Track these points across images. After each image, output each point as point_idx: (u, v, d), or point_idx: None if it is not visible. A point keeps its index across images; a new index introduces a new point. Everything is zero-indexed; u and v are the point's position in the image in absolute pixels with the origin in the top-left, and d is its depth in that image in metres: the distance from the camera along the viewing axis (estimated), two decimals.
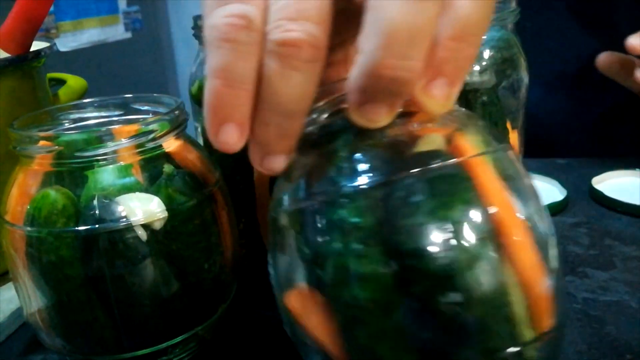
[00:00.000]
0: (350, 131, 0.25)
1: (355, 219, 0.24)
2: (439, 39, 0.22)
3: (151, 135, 0.33)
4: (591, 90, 0.71)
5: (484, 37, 0.39)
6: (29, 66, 0.46)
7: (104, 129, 0.33)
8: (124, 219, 0.31)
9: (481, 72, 0.38)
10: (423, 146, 0.25)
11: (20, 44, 0.46)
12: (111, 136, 0.32)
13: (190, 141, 0.37)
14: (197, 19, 0.44)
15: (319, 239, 0.24)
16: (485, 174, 0.25)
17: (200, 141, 0.45)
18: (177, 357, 0.36)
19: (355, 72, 0.22)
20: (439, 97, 0.23)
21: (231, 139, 0.24)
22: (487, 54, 0.38)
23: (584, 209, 0.55)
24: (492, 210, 0.24)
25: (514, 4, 0.41)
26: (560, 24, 0.72)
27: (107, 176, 0.32)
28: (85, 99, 0.40)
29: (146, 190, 0.33)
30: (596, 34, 0.70)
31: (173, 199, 0.33)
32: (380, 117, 0.23)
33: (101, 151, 0.32)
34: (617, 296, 0.41)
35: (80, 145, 0.32)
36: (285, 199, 0.27)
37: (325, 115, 0.27)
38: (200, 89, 0.43)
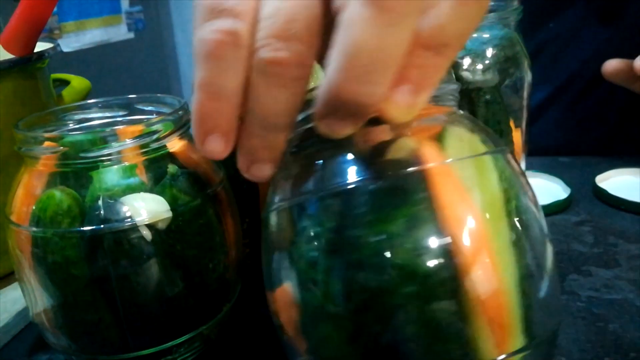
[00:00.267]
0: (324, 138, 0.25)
1: (313, 227, 0.24)
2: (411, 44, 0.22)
3: (155, 136, 0.33)
4: (601, 90, 0.71)
5: (487, 35, 0.39)
6: (33, 67, 0.46)
7: (108, 129, 0.33)
8: (129, 219, 0.31)
9: (484, 70, 0.38)
10: (389, 154, 0.25)
11: (24, 45, 0.46)
12: (115, 137, 0.32)
13: (194, 141, 0.37)
14: None
15: (286, 242, 0.25)
16: (445, 184, 0.24)
17: None
18: (182, 356, 0.36)
19: (321, 87, 0.22)
20: (401, 104, 0.22)
21: (216, 148, 0.25)
22: (490, 52, 0.38)
23: (587, 207, 0.55)
24: (439, 225, 0.23)
25: (516, 3, 0.40)
26: (578, 23, 0.72)
27: (111, 176, 0.32)
28: (89, 99, 0.40)
29: (150, 191, 0.33)
30: (612, 30, 0.70)
31: (177, 199, 0.33)
32: (342, 130, 0.23)
33: (106, 152, 0.32)
34: (621, 294, 0.41)
35: (84, 145, 0.32)
36: (270, 201, 0.27)
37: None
38: None
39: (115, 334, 0.33)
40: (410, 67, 0.21)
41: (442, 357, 0.23)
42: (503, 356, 0.24)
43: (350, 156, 0.25)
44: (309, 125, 0.26)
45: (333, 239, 0.24)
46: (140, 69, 2.31)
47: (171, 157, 0.35)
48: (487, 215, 0.24)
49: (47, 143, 0.32)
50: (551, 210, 0.54)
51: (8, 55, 0.46)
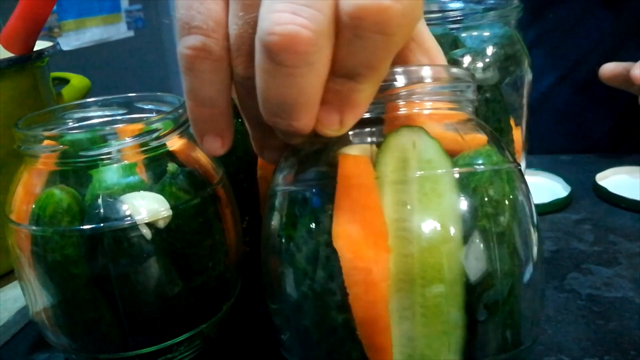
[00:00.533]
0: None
1: (271, 215, 0.28)
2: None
3: (155, 134, 0.33)
4: (600, 86, 0.71)
5: (487, 33, 0.39)
6: (33, 66, 0.46)
7: (108, 128, 0.33)
8: (129, 218, 0.31)
9: (484, 69, 0.38)
10: (318, 163, 0.27)
11: (23, 43, 0.46)
12: (115, 135, 0.32)
13: (193, 140, 0.37)
14: None
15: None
16: (347, 200, 0.25)
17: None
18: (182, 354, 0.36)
19: None
20: (325, 124, 0.24)
21: (213, 146, 0.28)
22: (490, 50, 0.38)
23: (588, 206, 0.55)
24: (327, 240, 0.25)
25: (516, 1, 0.40)
26: (580, 10, 0.71)
27: (111, 175, 0.32)
28: (89, 97, 0.40)
29: (150, 189, 0.33)
30: (614, 17, 0.70)
31: (177, 198, 0.33)
32: (290, 141, 0.27)
33: (105, 150, 0.32)
34: (621, 292, 0.41)
35: (84, 144, 0.32)
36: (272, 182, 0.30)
37: None
38: None
39: (115, 333, 0.33)
40: (328, 92, 0.23)
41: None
42: None
43: (296, 162, 0.28)
44: None
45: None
46: (140, 68, 2.30)
47: (171, 155, 0.35)
48: (404, 233, 0.24)
49: (46, 142, 0.32)
50: (551, 208, 0.54)
51: (7, 54, 0.46)
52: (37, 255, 0.32)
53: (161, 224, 0.32)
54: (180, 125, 0.35)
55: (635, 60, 0.58)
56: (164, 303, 0.33)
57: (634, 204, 0.54)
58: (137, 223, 0.31)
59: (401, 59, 0.29)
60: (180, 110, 0.35)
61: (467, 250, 0.24)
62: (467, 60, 0.38)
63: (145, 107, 0.39)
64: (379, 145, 0.26)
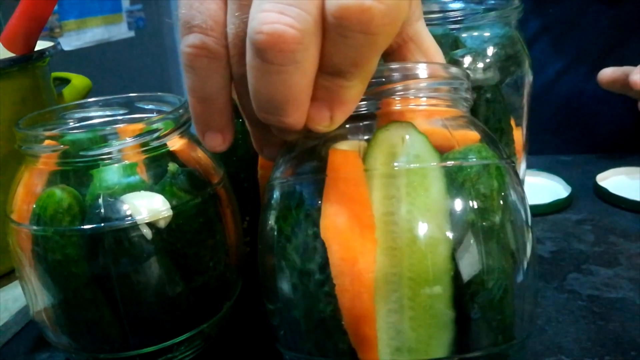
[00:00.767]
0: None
1: (264, 210, 0.29)
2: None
3: (156, 134, 0.33)
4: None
5: (488, 34, 0.39)
6: (34, 66, 0.46)
7: (108, 128, 0.33)
8: (129, 218, 0.31)
9: (485, 69, 0.38)
10: (310, 158, 0.28)
11: (24, 43, 0.46)
12: (116, 135, 0.32)
13: (194, 140, 0.37)
14: None
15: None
16: (336, 193, 0.25)
17: None
18: (183, 354, 0.36)
19: None
20: (315, 119, 0.25)
21: (214, 142, 0.29)
22: (490, 51, 0.38)
23: (588, 206, 0.55)
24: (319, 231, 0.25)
25: (517, 1, 0.40)
26: (579, 8, 0.72)
27: (112, 175, 0.32)
28: (90, 97, 0.40)
29: (151, 189, 0.33)
30: (616, 11, 0.70)
31: (178, 198, 0.33)
32: (284, 137, 0.27)
33: (106, 150, 0.32)
34: (621, 293, 0.41)
35: (85, 144, 0.32)
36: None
37: None
38: None
39: (115, 332, 0.33)
40: (318, 88, 0.24)
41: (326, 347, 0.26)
42: None
43: (291, 158, 0.29)
44: None
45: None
46: (140, 68, 2.30)
47: (171, 155, 0.35)
48: (395, 228, 0.24)
49: (47, 141, 0.32)
50: (552, 209, 0.54)
51: (9, 54, 0.46)
52: (38, 255, 0.32)
53: (162, 224, 0.32)
54: (180, 125, 0.35)
55: (635, 56, 0.58)
56: (164, 303, 0.33)
57: (635, 204, 0.54)
58: (138, 223, 0.31)
59: (400, 59, 0.30)
60: (180, 111, 0.35)
61: (455, 243, 0.24)
62: (467, 60, 0.38)
63: (146, 107, 0.39)
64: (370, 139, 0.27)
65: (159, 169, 0.34)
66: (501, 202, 0.26)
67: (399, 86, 0.27)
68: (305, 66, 0.23)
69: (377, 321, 0.24)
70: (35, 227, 0.32)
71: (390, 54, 0.30)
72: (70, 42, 1.98)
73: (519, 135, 0.42)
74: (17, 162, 0.35)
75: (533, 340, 0.37)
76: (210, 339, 0.37)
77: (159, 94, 0.39)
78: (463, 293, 0.25)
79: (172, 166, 0.33)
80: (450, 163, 0.26)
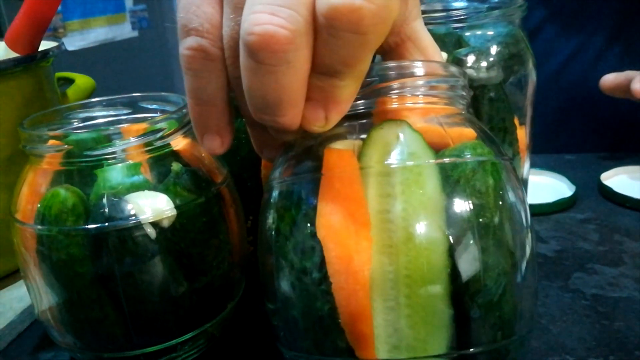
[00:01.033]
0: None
1: (263, 210, 0.29)
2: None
3: (159, 134, 0.33)
4: (609, 64, 0.71)
5: (491, 32, 0.39)
6: (38, 66, 0.46)
7: (112, 127, 0.33)
8: (133, 217, 0.31)
9: (488, 68, 0.38)
10: (305, 158, 0.28)
11: (28, 44, 0.46)
12: (120, 135, 0.32)
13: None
14: None
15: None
16: (331, 192, 0.25)
17: None
18: (186, 353, 0.36)
19: None
20: (310, 120, 0.25)
21: (213, 145, 0.29)
22: (494, 49, 0.38)
23: (592, 205, 0.55)
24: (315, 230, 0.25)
25: (520, 0, 0.40)
26: None
27: (116, 175, 0.32)
28: (94, 97, 0.40)
29: (155, 189, 0.33)
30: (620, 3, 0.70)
31: (181, 197, 0.33)
32: (281, 137, 0.27)
33: (110, 150, 0.32)
34: (626, 292, 0.41)
35: (89, 144, 0.32)
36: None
37: None
38: None
39: (119, 332, 0.33)
40: (312, 88, 0.24)
41: (323, 345, 0.26)
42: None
43: (289, 158, 0.29)
44: None
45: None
46: (144, 68, 2.31)
47: (175, 155, 0.35)
48: (392, 226, 0.24)
49: (51, 141, 0.32)
50: (556, 208, 0.54)
51: (13, 54, 0.46)
52: (42, 254, 0.32)
53: (165, 224, 0.32)
54: (184, 125, 0.35)
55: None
56: (168, 302, 0.33)
57: (639, 203, 0.53)
58: (142, 222, 0.31)
59: (398, 58, 0.30)
60: (184, 110, 0.35)
61: (450, 240, 0.24)
62: (471, 59, 0.38)
63: (150, 106, 0.39)
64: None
65: (163, 168, 0.34)
66: (497, 198, 0.26)
67: (394, 85, 0.27)
68: (297, 66, 0.23)
69: (374, 319, 0.24)
70: (39, 227, 0.32)
71: (388, 53, 0.30)
72: (74, 42, 1.99)
73: (522, 134, 0.41)
74: (21, 162, 0.35)
75: (537, 339, 0.37)
76: (213, 339, 0.37)
77: (163, 93, 0.39)
78: (460, 290, 0.24)
79: (175, 166, 0.33)
80: (444, 160, 0.26)
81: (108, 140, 0.32)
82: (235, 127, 0.41)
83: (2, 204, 0.41)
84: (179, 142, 0.35)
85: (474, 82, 0.38)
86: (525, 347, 0.28)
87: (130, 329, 0.33)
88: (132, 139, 0.32)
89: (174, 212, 0.32)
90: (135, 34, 2.28)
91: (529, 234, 0.28)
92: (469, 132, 0.28)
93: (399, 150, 0.26)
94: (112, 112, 0.39)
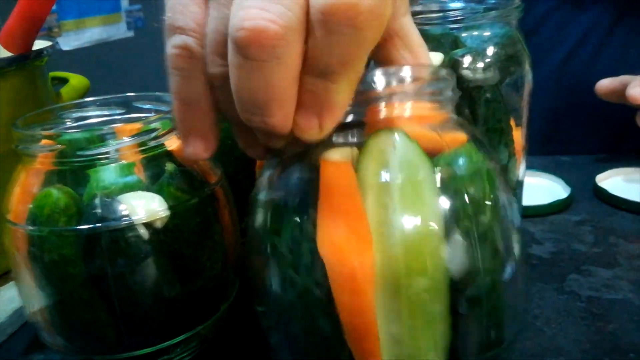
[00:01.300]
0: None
1: (254, 220, 0.29)
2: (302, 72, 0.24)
3: (153, 134, 0.33)
4: (604, 61, 0.71)
5: (488, 33, 0.39)
6: (31, 65, 0.46)
7: (106, 127, 0.33)
8: (126, 218, 0.31)
9: (485, 69, 0.38)
10: (300, 169, 0.28)
11: (22, 43, 0.46)
12: (113, 135, 0.32)
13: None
14: None
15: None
16: (335, 206, 0.25)
17: None
18: (179, 356, 0.36)
19: None
20: (304, 127, 0.24)
21: (196, 149, 0.28)
22: (490, 50, 0.38)
23: (588, 207, 0.55)
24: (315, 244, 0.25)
25: (517, 0, 0.40)
26: None
27: (109, 175, 0.32)
28: (88, 97, 0.40)
29: (148, 189, 0.32)
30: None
31: (175, 198, 0.32)
32: (270, 144, 0.26)
33: (103, 150, 0.32)
34: (621, 294, 0.41)
35: (82, 144, 0.32)
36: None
37: None
38: None
39: (111, 333, 0.33)
40: (303, 93, 0.24)
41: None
42: None
43: (278, 164, 0.28)
44: None
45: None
46: (139, 68, 2.30)
47: (169, 155, 0.34)
48: (390, 241, 0.24)
49: (44, 141, 0.32)
50: (551, 209, 0.54)
51: (6, 53, 0.46)
52: (34, 255, 0.32)
53: (159, 224, 0.32)
54: None
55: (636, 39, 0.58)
56: (161, 304, 0.33)
57: (634, 205, 0.53)
58: (135, 223, 0.31)
59: (385, 55, 0.29)
60: None
61: (450, 249, 0.25)
62: (467, 60, 0.37)
63: (144, 106, 0.39)
64: (359, 147, 0.26)
65: (157, 169, 0.33)
66: (493, 205, 0.26)
67: (386, 91, 0.26)
68: (287, 63, 0.22)
69: (378, 333, 0.24)
70: (31, 227, 0.31)
71: (375, 49, 0.30)
72: (68, 42, 1.98)
73: (518, 135, 0.41)
74: (14, 162, 0.35)
75: (531, 341, 0.37)
76: (206, 341, 0.37)
77: (157, 93, 0.39)
78: (459, 297, 0.25)
79: (169, 166, 0.33)
80: (441, 169, 0.26)
81: (101, 140, 0.32)
82: (229, 128, 0.41)
83: None
84: (172, 143, 0.35)
85: (470, 82, 0.38)
86: (513, 352, 0.28)
87: (123, 331, 0.33)
88: (126, 139, 0.32)
89: (167, 212, 0.32)
90: (130, 34, 2.27)
91: (520, 237, 0.28)
92: (462, 137, 0.28)
93: (396, 160, 0.25)
94: (105, 112, 0.39)
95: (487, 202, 0.26)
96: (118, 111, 0.39)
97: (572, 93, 0.75)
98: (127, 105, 0.39)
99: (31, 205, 0.31)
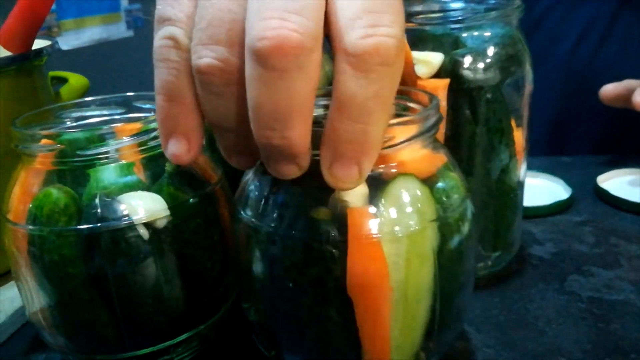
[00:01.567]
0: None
1: (262, 252, 0.30)
2: (328, 119, 0.23)
3: (153, 134, 0.33)
4: (603, 58, 0.71)
5: (488, 33, 0.39)
6: (31, 65, 0.46)
7: (105, 127, 0.33)
8: (126, 218, 0.31)
9: (485, 69, 0.38)
10: (322, 209, 0.28)
11: (21, 42, 0.46)
12: (113, 134, 0.32)
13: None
14: None
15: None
16: (363, 255, 0.27)
17: None
18: (180, 356, 0.36)
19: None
20: (342, 177, 0.24)
21: (178, 150, 0.27)
22: (491, 50, 0.38)
23: (589, 208, 0.55)
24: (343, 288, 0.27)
25: (517, 1, 0.40)
26: None
27: (109, 174, 0.32)
28: (87, 97, 0.40)
29: (148, 189, 0.32)
30: None
31: (175, 198, 0.32)
32: (285, 172, 0.25)
33: (103, 149, 0.32)
34: (622, 295, 0.41)
35: (82, 143, 0.32)
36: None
37: None
38: None
39: (112, 334, 0.33)
40: (339, 143, 0.23)
41: None
42: None
43: (293, 198, 0.29)
44: None
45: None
46: (139, 67, 2.29)
47: None
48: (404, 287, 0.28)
49: (44, 141, 0.32)
50: (553, 210, 0.54)
51: (6, 53, 0.46)
52: (34, 255, 0.32)
53: (159, 224, 0.32)
54: None
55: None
56: (161, 304, 0.33)
57: (635, 206, 0.53)
58: (135, 223, 0.31)
59: None
60: None
61: (438, 277, 0.29)
62: (468, 60, 0.37)
63: (144, 106, 0.39)
64: (370, 179, 0.27)
65: (157, 168, 0.33)
66: (471, 231, 0.31)
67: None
68: (309, 72, 0.22)
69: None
70: (31, 227, 0.31)
71: None
72: (68, 42, 1.98)
73: (519, 136, 0.41)
74: (13, 162, 0.34)
75: (533, 342, 0.36)
76: (207, 341, 0.37)
77: None
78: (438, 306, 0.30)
79: (169, 166, 0.33)
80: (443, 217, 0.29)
81: (101, 139, 0.32)
82: None
83: None
84: None
85: (471, 83, 0.38)
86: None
87: (123, 331, 0.33)
88: (126, 139, 0.32)
89: (167, 212, 0.32)
90: (130, 33, 2.27)
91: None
92: (442, 158, 0.31)
93: (410, 210, 0.28)
94: (105, 112, 0.39)
95: (468, 231, 0.31)
96: (118, 111, 0.39)
97: (576, 91, 0.75)
98: (127, 105, 0.39)
99: (31, 205, 0.31)
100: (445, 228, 0.29)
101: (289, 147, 0.23)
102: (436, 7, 0.41)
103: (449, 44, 0.38)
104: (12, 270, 0.35)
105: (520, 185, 0.44)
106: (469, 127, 0.39)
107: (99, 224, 0.31)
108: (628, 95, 0.59)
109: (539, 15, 0.75)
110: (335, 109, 0.23)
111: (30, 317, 0.35)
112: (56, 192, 0.31)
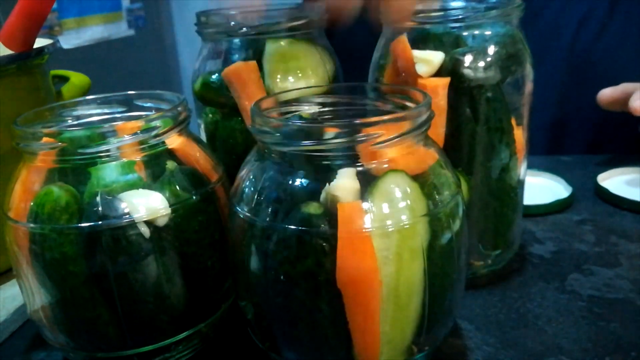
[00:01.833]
0: None
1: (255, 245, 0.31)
2: None
3: (154, 132, 0.33)
4: (600, 54, 0.71)
5: (489, 32, 0.39)
6: (32, 63, 0.46)
7: (107, 125, 0.33)
8: (127, 216, 0.31)
9: (486, 68, 0.38)
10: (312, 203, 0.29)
11: (23, 41, 0.46)
12: (114, 133, 0.32)
13: (193, 138, 0.37)
14: (200, 15, 0.44)
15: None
16: (353, 248, 0.28)
17: (204, 137, 0.45)
18: (180, 354, 0.36)
19: None
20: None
21: None
22: (491, 49, 0.38)
23: (589, 207, 0.55)
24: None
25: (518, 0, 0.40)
26: None
27: (110, 173, 0.32)
28: (89, 95, 0.40)
29: (149, 187, 0.32)
30: None
31: (176, 196, 0.32)
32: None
33: (104, 148, 0.32)
34: (622, 294, 0.41)
35: (83, 142, 0.32)
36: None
37: None
38: (203, 85, 0.43)
39: (113, 331, 0.33)
40: None
41: None
42: None
43: (286, 193, 0.30)
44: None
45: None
46: (140, 66, 2.30)
47: (170, 153, 0.34)
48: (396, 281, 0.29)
49: (45, 139, 0.32)
50: (553, 209, 0.54)
51: (7, 52, 0.46)
52: (35, 253, 0.32)
53: (160, 223, 0.32)
54: (179, 123, 0.34)
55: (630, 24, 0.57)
56: (162, 302, 0.33)
57: (635, 205, 0.53)
58: (136, 221, 0.31)
59: None
60: (179, 108, 0.35)
61: (428, 272, 0.29)
62: (468, 59, 0.37)
63: (145, 105, 0.39)
64: (362, 174, 0.28)
65: (158, 167, 0.33)
66: (462, 227, 0.32)
67: (375, 133, 0.28)
68: None
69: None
70: (32, 225, 0.31)
71: None
72: (69, 41, 1.98)
73: (519, 134, 0.41)
74: (15, 160, 0.35)
75: (533, 340, 0.37)
76: (207, 339, 0.37)
77: (158, 91, 0.39)
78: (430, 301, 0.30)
79: (170, 164, 0.33)
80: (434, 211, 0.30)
81: (102, 138, 0.32)
82: (231, 127, 0.41)
83: None
84: (173, 141, 0.35)
85: (472, 82, 0.38)
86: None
87: (124, 329, 0.33)
88: (127, 137, 0.32)
89: (168, 210, 0.32)
90: (131, 32, 2.27)
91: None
92: (433, 154, 0.32)
93: (400, 205, 0.28)
94: (106, 110, 0.39)
95: (460, 227, 0.31)
96: (119, 109, 0.39)
97: (576, 83, 0.75)
98: (128, 104, 0.39)
99: (32, 203, 0.31)
100: (435, 223, 0.29)
101: None
102: (437, 6, 0.41)
103: (450, 43, 0.38)
104: (13, 268, 0.35)
105: (521, 184, 0.44)
106: (469, 125, 0.39)
107: (100, 222, 0.31)
108: (625, 99, 0.59)
109: (538, 5, 0.75)
110: None
111: (32, 315, 0.35)
112: (57, 190, 0.31)
